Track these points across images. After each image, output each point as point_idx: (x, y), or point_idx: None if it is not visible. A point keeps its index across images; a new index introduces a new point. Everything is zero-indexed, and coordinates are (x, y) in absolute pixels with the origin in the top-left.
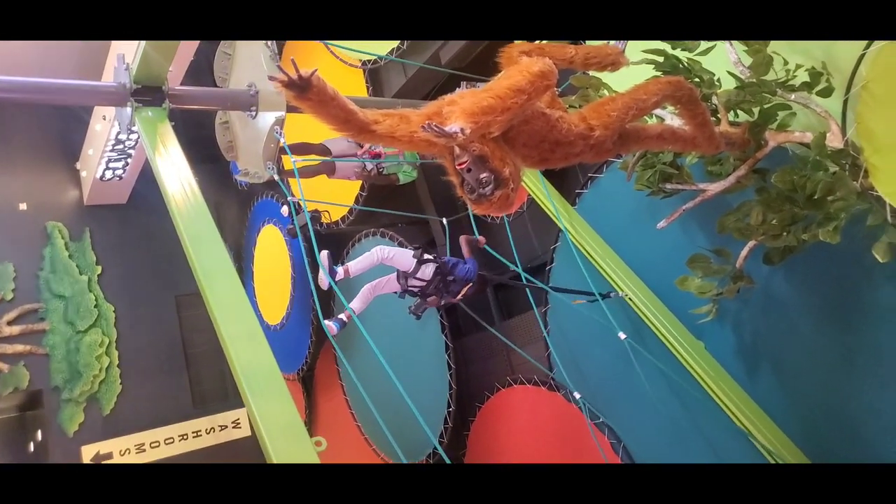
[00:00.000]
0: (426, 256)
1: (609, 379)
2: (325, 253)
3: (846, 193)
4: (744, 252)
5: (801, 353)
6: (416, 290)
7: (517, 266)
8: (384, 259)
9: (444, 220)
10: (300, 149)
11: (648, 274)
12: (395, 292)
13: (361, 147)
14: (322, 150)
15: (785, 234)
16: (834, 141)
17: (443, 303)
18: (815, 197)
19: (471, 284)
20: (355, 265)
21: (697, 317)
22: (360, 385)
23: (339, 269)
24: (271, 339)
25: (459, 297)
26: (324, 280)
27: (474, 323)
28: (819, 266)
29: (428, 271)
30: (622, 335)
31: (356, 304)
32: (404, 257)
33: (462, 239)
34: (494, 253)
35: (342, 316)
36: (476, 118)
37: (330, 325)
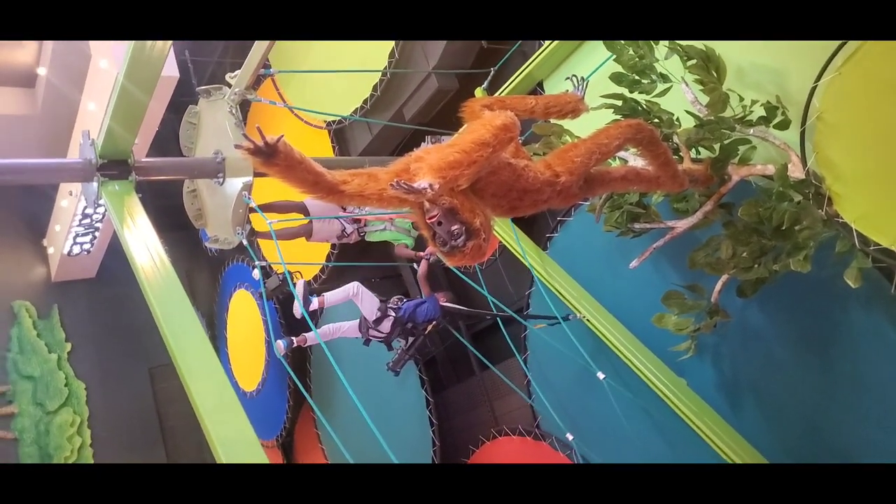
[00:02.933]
0: (389, 312)
1: (595, 422)
2: (301, 282)
3: (812, 222)
4: (717, 286)
5: (782, 384)
6: (379, 338)
7: (493, 309)
8: (355, 295)
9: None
10: (280, 207)
11: (625, 313)
12: (357, 337)
13: (344, 210)
14: (301, 208)
15: (756, 265)
16: (795, 171)
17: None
18: (783, 227)
19: (435, 322)
20: (331, 296)
21: (678, 354)
22: (343, 448)
23: (315, 300)
24: (248, 405)
25: (427, 332)
26: (297, 309)
27: (455, 375)
28: (792, 295)
29: (387, 325)
30: (601, 375)
31: (311, 336)
32: (370, 304)
33: (420, 278)
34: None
35: (293, 338)
36: (443, 173)
37: (279, 344)
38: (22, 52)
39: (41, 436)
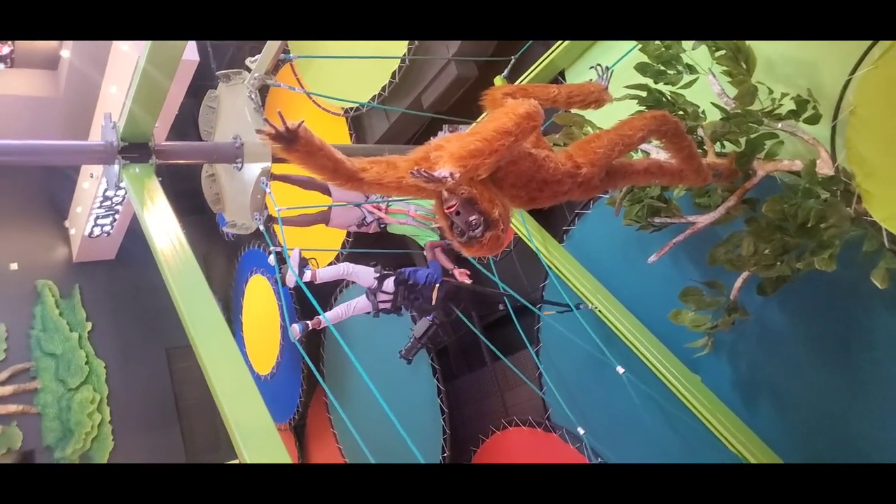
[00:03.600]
0: (385, 272)
1: (607, 416)
2: (296, 251)
3: (839, 220)
4: (737, 283)
5: (800, 384)
6: (386, 305)
7: (507, 303)
8: (348, 274)
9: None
10: (300, 182)
11: (641, 309)
12: (369, 312)
13: (367, 198)
14: (325, 188)
15: (778, 263)
16: (824, 168)
17: (430, 315)
18: (808, 225)
19: (438, 287)
20: (323, 272)
21: (693, 350)
22: (354, 433)
23: (308, 272)
24: (262, 389)
25: (434, 302)
26: (291, 278)
27: (466, 364)
28: (815, 294)
29: (390, 284)
30: (620, 369)
31: (328, 317)
32: (366, 274)
33: (428, 244)
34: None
35: (308, 321)
36: (464, 162)
37: (294, 328)
38: None
39: (63, 411)
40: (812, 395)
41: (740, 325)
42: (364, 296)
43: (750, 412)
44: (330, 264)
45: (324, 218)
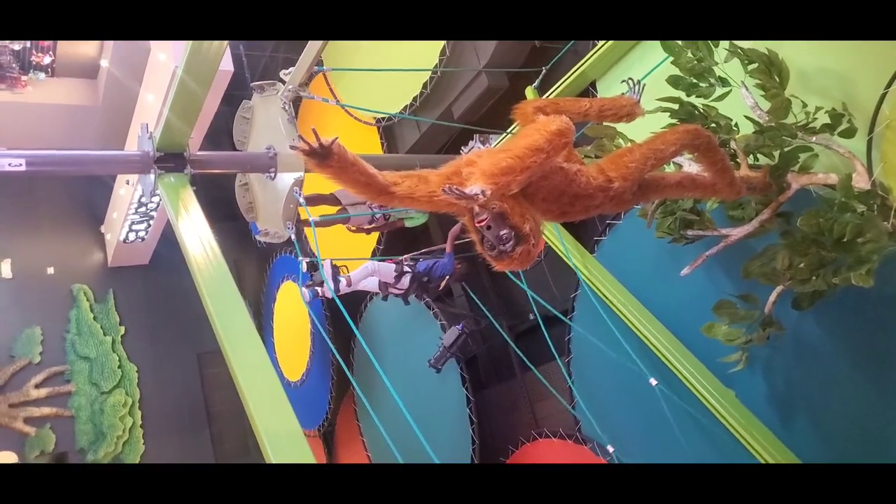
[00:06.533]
0: (405, 269)
1: (638, 429)
2: (327, 262)
3: (877, 235)
4: (772, 297)
5: (837, 401)
6: (398, 295)
7: (536, 314)
8: (374, 271)
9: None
10: (311, 200)
11: (674, 321)
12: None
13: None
14: (333, 199)
15: (814, 278)
16: (860, 182)
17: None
18: (844, 239)
19: (448, 277)
20: (356, 275)
21: (727, 365)
22: (385, 439)
23: (343, 280)
24: (291, 395)
25: (441, 288)
26: (326, 291)
27: (496, 375)
28: (851, 309)
29: (405, 281)
30: (653, 381)
31: (344, 285)
32: (387, 269)
33: (452, 234)
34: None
35: (318, 289)
36: (496, 179)
37: (304, 292)
38: (86, 44)
39: (96, 414)
40: (849, 412)
41: (775, 339)
42: (377, 280)
43: (786, 428)
44: None
45: (344, 218)
